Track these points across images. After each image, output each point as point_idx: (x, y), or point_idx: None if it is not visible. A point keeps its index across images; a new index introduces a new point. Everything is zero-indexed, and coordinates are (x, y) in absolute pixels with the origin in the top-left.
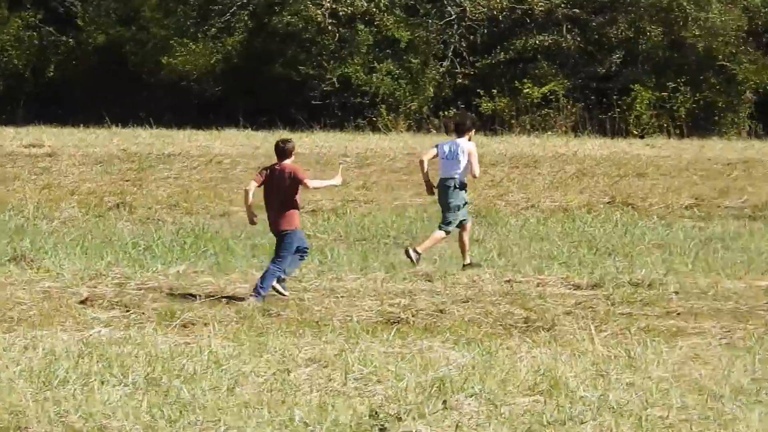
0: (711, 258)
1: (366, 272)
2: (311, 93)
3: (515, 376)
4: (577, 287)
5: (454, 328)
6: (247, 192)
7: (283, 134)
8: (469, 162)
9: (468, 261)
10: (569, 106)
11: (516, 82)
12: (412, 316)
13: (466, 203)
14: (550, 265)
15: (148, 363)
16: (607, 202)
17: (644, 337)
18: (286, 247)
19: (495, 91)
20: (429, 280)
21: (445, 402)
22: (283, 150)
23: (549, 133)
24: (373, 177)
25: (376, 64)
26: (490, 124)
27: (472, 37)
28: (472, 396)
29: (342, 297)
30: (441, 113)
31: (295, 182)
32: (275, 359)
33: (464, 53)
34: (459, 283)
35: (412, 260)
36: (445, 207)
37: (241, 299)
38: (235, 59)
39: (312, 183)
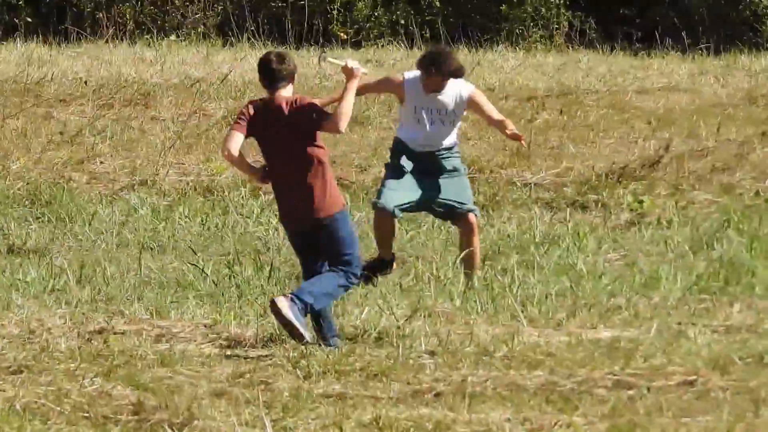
0: (504, 283)
1: None
2: None
3: None
4: (236, 343)
5: None
6: (229, 153)
7: None
8: None
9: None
10: None
11: None
12: None
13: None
14: (181, 299)
15: None
16: None
17: None
18: (345, 242)
19: None
20: None
21: None
22: (277, 73)
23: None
24: None
25: None
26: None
27: None
28: None
29: None
30: None
31: (311, 124)
32: None
33: None
34: None
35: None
36: None
37: None
38: None
39: (342, 119)
